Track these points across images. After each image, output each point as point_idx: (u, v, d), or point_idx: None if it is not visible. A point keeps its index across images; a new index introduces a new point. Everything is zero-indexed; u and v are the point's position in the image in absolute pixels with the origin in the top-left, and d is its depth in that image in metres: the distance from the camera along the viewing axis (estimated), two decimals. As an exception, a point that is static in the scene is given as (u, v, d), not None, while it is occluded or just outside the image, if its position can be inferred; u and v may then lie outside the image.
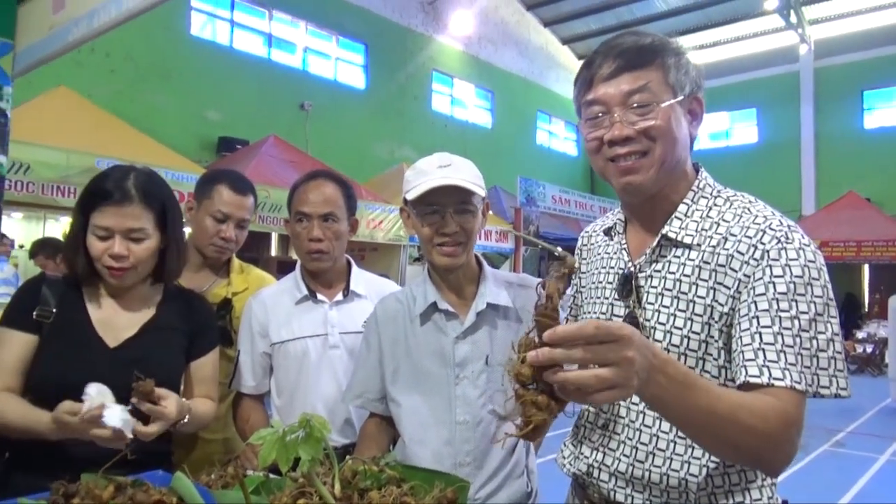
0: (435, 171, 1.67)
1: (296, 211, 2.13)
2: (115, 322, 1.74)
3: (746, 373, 1.13)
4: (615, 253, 1.42)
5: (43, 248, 6.45)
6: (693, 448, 1.24)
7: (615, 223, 1.47)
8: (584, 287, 1.52)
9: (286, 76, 13.88)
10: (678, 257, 1.28)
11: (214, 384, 1.92)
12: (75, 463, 1.38)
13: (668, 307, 1.27)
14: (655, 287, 1.30)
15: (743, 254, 1.20)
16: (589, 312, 1.45)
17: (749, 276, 1.18)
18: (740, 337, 1.17)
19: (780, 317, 1.13)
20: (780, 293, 1.14)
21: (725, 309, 1.21)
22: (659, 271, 1.30)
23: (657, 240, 1.31)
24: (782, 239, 1.18)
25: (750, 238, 1.20)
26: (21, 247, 8.30)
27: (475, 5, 18.14)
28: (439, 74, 17.64)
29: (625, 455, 1.31)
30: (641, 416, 1.30)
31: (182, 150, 9.20)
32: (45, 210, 7.28)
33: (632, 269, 1.35)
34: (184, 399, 1.71)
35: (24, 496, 1.23)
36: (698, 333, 1.23)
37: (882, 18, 18.16)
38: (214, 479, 1.38)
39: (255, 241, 11.81)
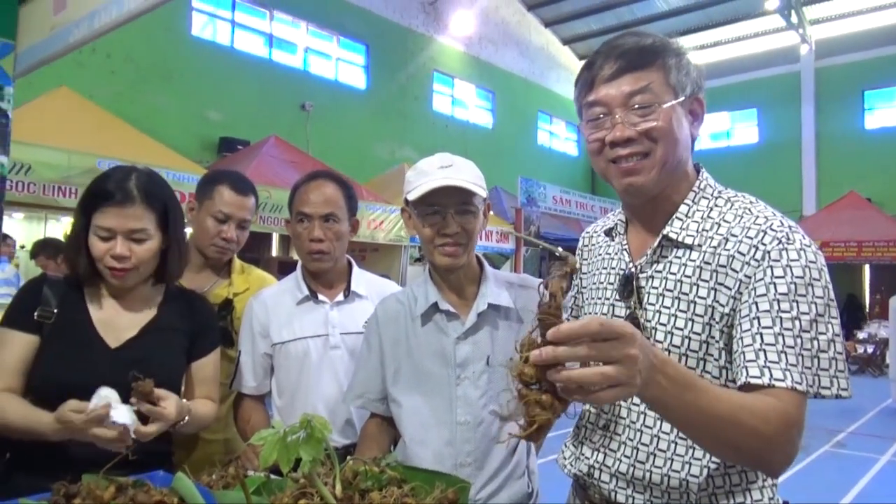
0: (436, 171, 1.67)
1: (297, 211, 2.13)
2: (116, 322, 1.74)
3: (747, 374, 1.13)
4: (616, 253, 1.42)
5: (44, 248, 6.46)
6: (694, 449, 1.24)
7: (616, 224, 1.47)
8: (584, 288, 1.52)
9: (287, 76, 13.89)
10: (679, 258, 1.28)
11: (215, 385, 1.92)
12: (76, 463, 1.38)
13: (669, 308, 1.27)
14: (656, 288, 1.30)
15: (744, 254, 1.20)
16: (590, 313, 1.45)
17: (750, 277, 1.18)
18: (741, 338, 1.17)
19: (780, 318, 1.13)
20: (780, 294, 1.14)
21: (726, 310, 1.21)
22: (660, 272, 1.30)
23: (658, 240, 1.31)
24: (783, 240, 1.18)
25: (751, 239, 1.20)
26: (22, 247, 8.30)
27: (476, 6, 18.14)
28: (440, 75, 17.64)
29: (626, 456, 1.31)
30: (642, 416, 1.30)
31: (183, 151, 9.21)
32: (47, 210, 7.28)
33: (633, 269, 1.35)
34: (184, 400, 1.71)
35: (26, 497, 1.23)
36: (699, 334, 1.23)
37: (883, 18, 18.15)
38: (215, 480, 1.38)
39: (256, 242, 11.82)
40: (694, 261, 1.26)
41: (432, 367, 1.73)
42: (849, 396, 1.14)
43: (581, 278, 1.55)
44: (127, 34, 9.66)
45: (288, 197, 2.22)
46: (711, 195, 1.33)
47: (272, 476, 1.36)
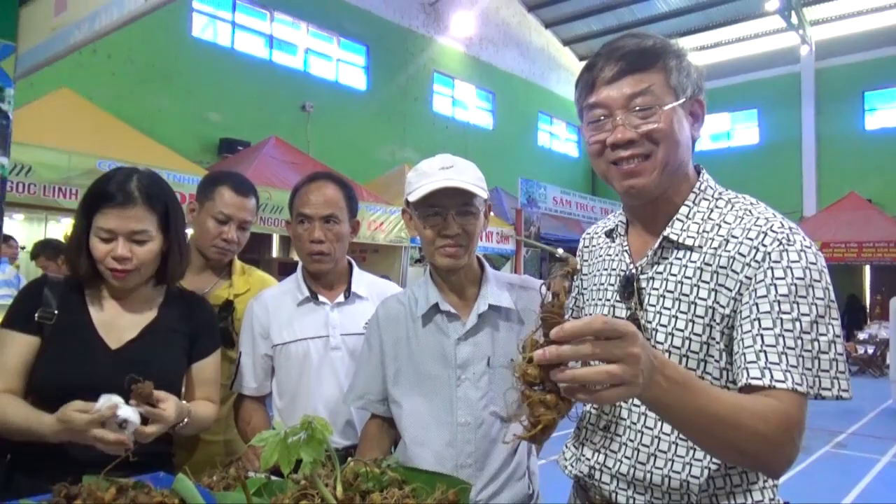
0: (437, 172, 1.67)
1: (297, 212, 2.13)
2: (116, 324, 1.74)
3: (748, 375, 1.13)
4: (617, 255, 1.42)
5: (44, 249, 6.45)
6: (695, 450, 1.24)
7: (617, 225, 1.47)
8: (585, 289, 1.52)
9: (287, 77, 13.90)
10: (679, 259, 1.28)
11: (216, 386, 1.92)
12: (77, 465, 1.39)
13: (669, 309, 1.27)
14: (657, 289, 1.30)
15: (744, 256, 1.20)
16: (590, 314, 1.45)
17: (750, 278, 1.18)
18: (742, 339, 1.17)
19: (781, 319, 1.13)
20: (781, 295, 1.14)
21: (727, 311, 1.21)
22: (660, 273, 1.30)
23: (659, 242, 1.31)
24: (784, 241, 1.18)
25: (751, 240, 1.21)
26: (23, 248, 8.30)
27: (476, 6, 18.16)
28: (440, 76, 17.65)
29: (626, 457, 1.31)
30: (643, 417, 1.30)
31: (183, 152, 9.21)
32: (47, 211, 7.28)
33: (633, 270, 1.35)
34: (184, 401, 1.71)
35: (26, 498, 1.23)
36: (700, 335, 1.23)
37: (883, 19, 18.16)
38: (216, 481, 1.38)
39: (257, 243, 11.83)
40: (694, 262, 1.26)
41: (433, 368, 1.73)
42: (849, 398, 1.14)
43: (582, 279, 1.55)
44: (127, 35, 9.68)
45: (288, 198, 2.22)
46: (712, 196, 1.33)
47: (273, 477, 1.36)
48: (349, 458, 1.41)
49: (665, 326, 1.27)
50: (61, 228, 8.44)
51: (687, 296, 1.25)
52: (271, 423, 2.05)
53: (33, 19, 2.65)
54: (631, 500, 1.30)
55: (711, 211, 1.30)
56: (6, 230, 5.82)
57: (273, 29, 13.86)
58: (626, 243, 1.41)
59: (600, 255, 1.49)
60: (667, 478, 1.25)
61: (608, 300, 1.40)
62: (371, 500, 1.18)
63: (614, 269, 1.41)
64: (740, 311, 1.19)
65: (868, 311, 17.45)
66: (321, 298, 2.15)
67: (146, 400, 1.52)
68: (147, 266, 1.72)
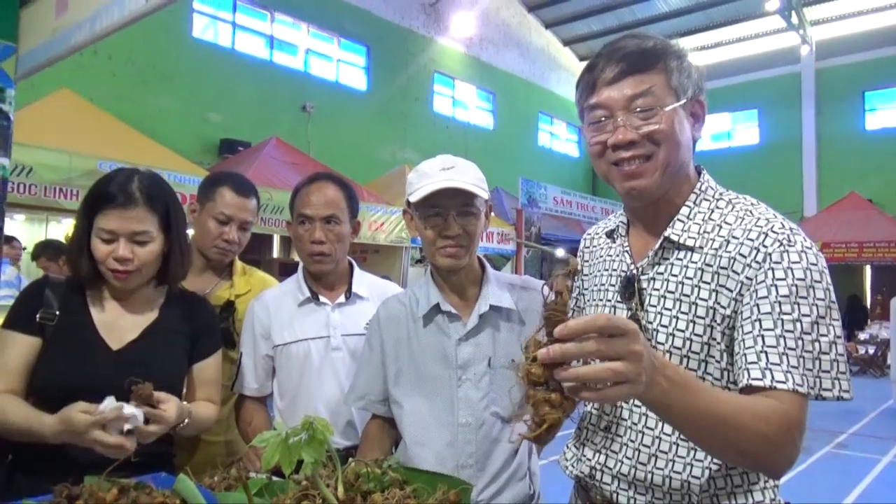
0: (438, 173, 1.67)
1: (298, 213, 2.13)
2: (118, 324, 1.74)
3: (749, 376, 1.13)
4: (617, 255, 1.42)
5: (45, 249, 6.46)
6: (695, 450, 1.24)
7: (618, 225, 1.47)
8: (586, 289, 1.53)
9: (288, 78, 13.90)
10: (680, 260, 1.28)
11: (217, 387, 1.92)
12: (78, 465, 1.39)
13: (670, 310, 1.27)
14: (658, 289, 1.30)
15: (745, 256, 1.20)
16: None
17: (751, 279, 1.18)
18: (742, 340, 1.17)
19: (782, 320, 1.13)
20: (782, 296, 1.14)
21: (728, 311, 1.21)
22: (661, 274, 1.30)
23: (659, 242, 1.31)
24: (784, 242, 1.18)
25: (752, 241, 1.21)
26: (24, 249, 8.31)
27: (476, 7, 18.16)
28: (441, 76, 17.65)
29: (627, 457, 1.31)
30: (644, 418, 1.30)
31: (184, 152, 9.21)
32: (48, 212, 7.29)
33: (634, 271, 1.35)
34: (184, 402, 1.71)
35: (28, 498, 1.24)
36: (701, 336, 1.23)
37: (883, 19, 18.15)
38: (217, 482, 1.39)
39: (257, 243, 11.83)
40: (695, 263, 1.26)
41: (434, 368, 1.73)
42: (850, 398, 1.14)
43: (582, 280, 1.55)
44: (128, 36, 9.69)
45: (289, 198, 2.22)
46: (713, 197, 1.33)
47: (274, 478, 1.36)
48: (350, 459, 1.41)
49: (666, 327, 1.27)
50: (62, 229, 8.44)
51: (688, 296, 1.25)
52: (272, 423, 2.05)
53: (34, 20, 2.65)
54: (632, 501, 1.30)
55: (712, 212, 1.30)
56: (7, 231, 5.82)
57: (273, 29, 13.86)
58: (626, 244, 1.41)
59: (601, 256, 1.49)
60: (668, 478, 1.25)
61: (609, 301, 1.40)
62: (372, 500, 1.18)
63: (615, 270, 1.41)
64: (741, 312, 1.19)
65: (869, 311, 17.44)
66: (322, 299, 2.15)
67: (146, 401, 1.52)
68: (148, 267, 1.72)
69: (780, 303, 1.14)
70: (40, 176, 5.88)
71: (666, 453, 1.26)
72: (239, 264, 2.40)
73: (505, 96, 19.48)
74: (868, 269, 17.74)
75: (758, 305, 1.16)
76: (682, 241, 1.28)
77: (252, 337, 2.12)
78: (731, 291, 1.21)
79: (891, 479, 6.19)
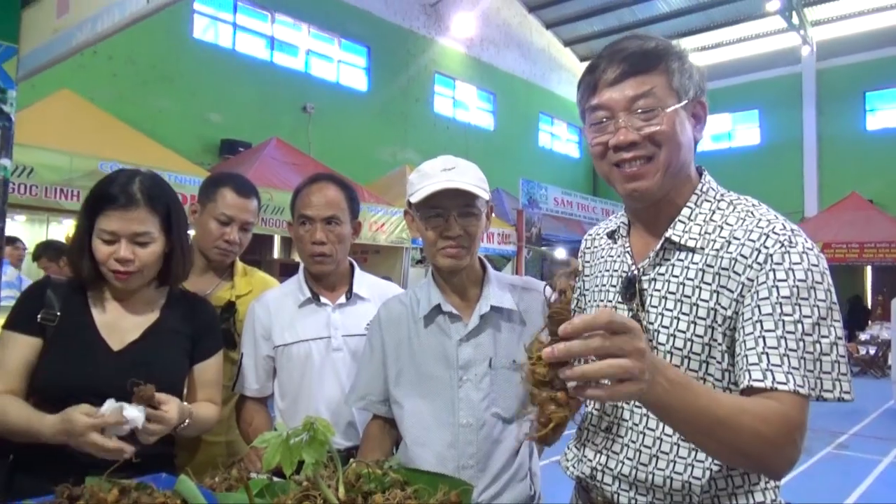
0: (439, 174, 1.68)
1: (299, 214, 2.14)
2: (119, 325, 1.75)
3: (750, 377, 1.13)
4: (619, 256, 1.42)
5: (46, 250, 6.46)
6: (696, 451, 1.24)
7: (619, 226, 1.47)
8: (587, 290, 1.52)
9: (288, 79, 13.90)
10: (682, 260, 1.28)
11: (218, 388, 1.92)
12: (79, 466, 1.39)
13: (671, 310, 1.27)
14: (659, 290, 1.30)
15: (746, 257, 1.20)
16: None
17: (752, 280, 1.18)
18: (744, 341, 1.17)
19: (783, 321, 1.13)
20: (783, 297, 1.14)
21: (729, 312, 1.21)
22: (662, 274, 1.30)
23: (661, 243, 1.31)
24: (785, 243, 1.18)
25: (753, 242, 1.21)
26: (26, 250, 8.32)
27: (477, 7, 18.16)
28: (441, 76, 17.65)
29: (628, 458, 1.31)
30: (645, 419, 1.30)
31: (184, 153, 9.21)
32: (49, 213, 7.29)
33: (635, 272, 1.35)
34: (185, 403, 1.71)
35: (29, 499, 1.24)
36: (701, 336, 1.23)
37: (884, 20, 18.15)
38: (218, 482, 1.39)
39: (258, 244, 11.82)
40: (696, 263, 1.26)
41: (434, 369, 1.73)
42: (851, 400, 1.14)
43: (583, 281, 1.55)
44: (128, 37, 9.68)
45: (289, 199, 2.22)
46: (714, 198, 1.33)
47: (275, 478, 1.36)
48: (351, 460, 1.41)
49: (667, 328, 1.27)
50: (63, 230, 8.45)
51: (689, 297, 1.25)
52: (273, 424, 2.05)
53: (35, 21, 2.65)
54: (633, 502, 1.30)
55: (713, 212, 1.30)
56: (8, 232, 5.82)
57: (274, 30, 13.87)
58: (627, 244, 1.41)
59: (602, 257, 1.49)
60: (669, 479, 1.25)
61: (610, 302, 1.40)
62: (373, 501, 1.18)
63: (616, 271, 1.41)
64: (742, 313, 1.19)
65: (870, 311, 17.42)
66: (323, 300, 2.15)
67: (148, 403, 1.52)
68: (149, 268, 1.73)
69: (781, 304, 1.14)
70: (41, 177, 5.88)
71: (667, 454, 1.26)
72: (240, 265, 2.40)
73: (505, 97, 19.48)
74: (869, 270, 17.73)
75: (759, 306, 1.16)
76: (683, 241, 1.28)
77: (253, 338, 2.12)
78: (733, 292, 1.21)
79: (892, 480, 6.19)
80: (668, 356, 1.25)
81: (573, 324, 0.91)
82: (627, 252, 1.40)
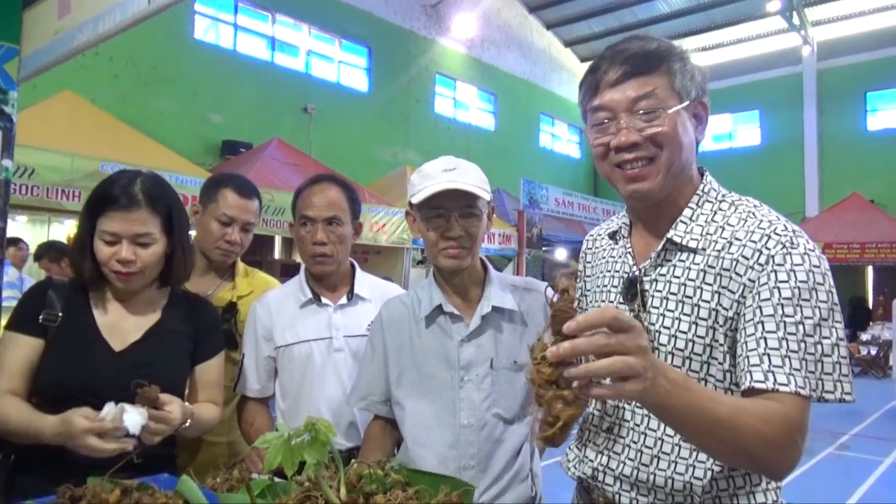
0: (440, 174, 1.68)
1: (300, 214, 2.14)
2: (120, 326, 1.75)
3: (751, 378, 1.13)
4: (620, 257, 1.42)
5: (47, 251, 6.47)
6: (697, 452, 1.24)
7: (620, 227, 1.47)
8: (588, 291, 1.52)
9: (289, 79, 13.91)
10: (683, 261, 1.28)
11: (219, 388, 1.92)
12: (81, 466, 1.39)
13: (672, 311, 1.27)
14: (660, 291, 1.30)
15: (748, 258, 1.20)
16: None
17: (754, 281, 1.18)
18: (745, 342, 1.17)
19: (784, 322, 1.13)
20: (784, 298, 1.14)
21: (730, 313, 1.21)
22: (664, 275, 1.30)
23: (662, 244, 1.31)
24: (787, 244, 1.18)
25: (755, 243, 1.21)
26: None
27: (478, 8, 18.16)
28: (442, 77, 17.65)
29: (629, 459, 1.31)
30: (646, 419, 1.30)
31: (185, 154, 9.22)
32: (50, 213, 7.30)
33: (637, 273, 1.35)
34: (186, 403, 1.71)
35: (31, 499, 1.24)
36: (703, 337, 1.23)
37: (885, 20, 18.14)
38: (220, 483, 1.39)
39: (259, 245, 11.82)
40: (698, 264, 1.26)
41: (436, 369, 1.73)
42: (852, 401, 1.14)
43: (585, 281, 1.55)
44: (129, 37, 9.68)
45: (290, 200, 2.23)
46: (715, 199, 1.33)
47: (276, 479, 1.36)
48: (353, 460, 1.42)
49: (668, 329, 1.27)
50: (64, 230, 8.46)
51: (690, 298, 1.25)
52: (274, 424, 2.05)
53: (37, 22, 2.65)
54: (634, 502, 1.30)
55: (715, 213, 1.30)
56: (9, 232, 5.82)
57: (275, 31, 13.87)
58: (629, 245, 1.41)
59: (603, 257, 1.49)
60: (670, 479, 1.25)
61: (611, 302, 1.40)
62: (375, 501, 1.18)
63: (617, 271, 1.41)
64: (743, 314, 1.19)
65: (871, 312, 17.40)
66: (324, 300, 2.15)
67: (152, 404, 1.52)
68: (151, 268, 1.73)
69: (782, 305, 1.14)
70: (42, 177, 5.89)
71: (668, 455, 1.26)
72: (241, 266, 2.40)
73: (506, 97, 19.48)
74: (870, 270, 17.71)
75: (760, 307, 1.16)
76: (684, 242, 1.28)
77: (254, 338, 2.13)
78: (734, 293, 1.21)
79: (893, 481, 6.18)
80: (670, 357, 1.25)
81: (578, 321, 0.91)
82: (629, 253, 1.40)
